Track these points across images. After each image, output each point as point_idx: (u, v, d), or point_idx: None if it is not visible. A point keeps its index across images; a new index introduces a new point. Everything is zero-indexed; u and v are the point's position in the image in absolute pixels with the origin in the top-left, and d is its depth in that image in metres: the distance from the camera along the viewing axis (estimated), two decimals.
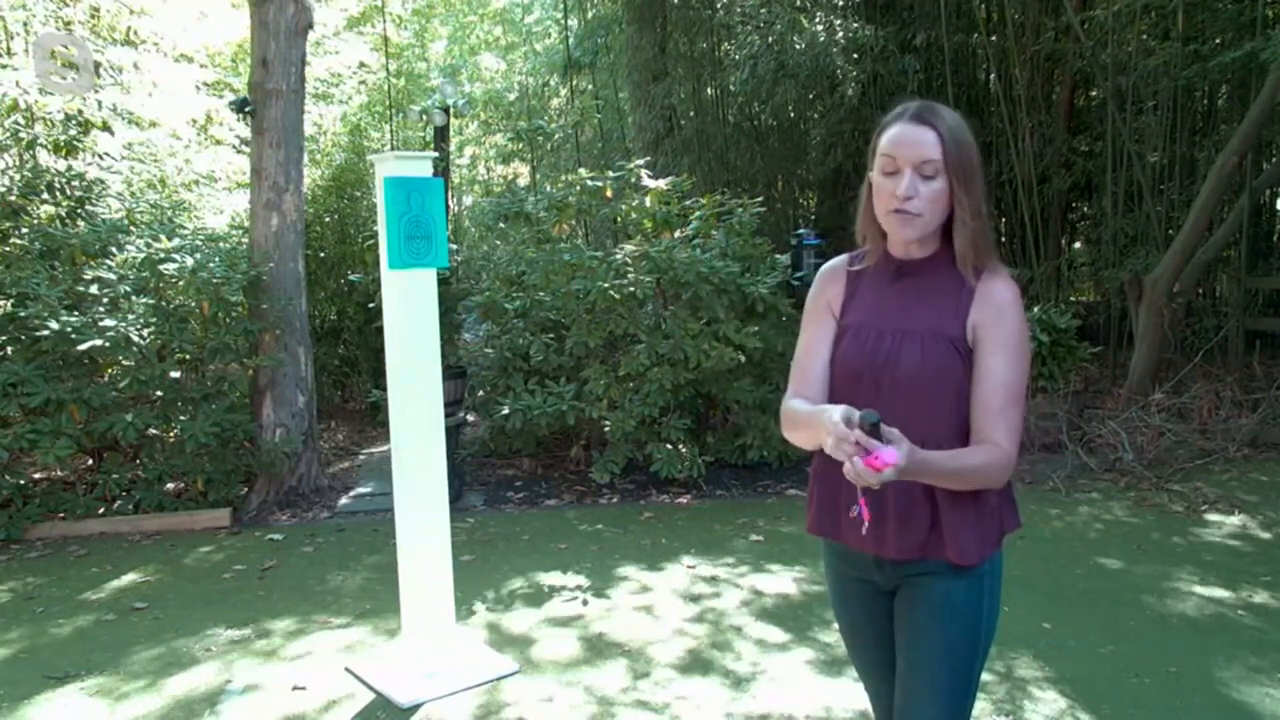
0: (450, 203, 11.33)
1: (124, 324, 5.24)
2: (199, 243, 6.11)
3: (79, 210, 6.05)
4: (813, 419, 1.62)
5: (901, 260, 1.76)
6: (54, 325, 5.07)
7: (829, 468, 1.82)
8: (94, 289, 5.50)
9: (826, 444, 1.50)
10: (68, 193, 6.05)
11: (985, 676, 3.22)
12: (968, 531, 1.70)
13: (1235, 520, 4.99)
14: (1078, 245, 11.52)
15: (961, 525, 1.70)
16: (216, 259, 5.69)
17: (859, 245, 1.86)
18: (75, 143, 6.28)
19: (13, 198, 5.78)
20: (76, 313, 5.28)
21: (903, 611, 1.80)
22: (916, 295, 1.74)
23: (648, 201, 6.33)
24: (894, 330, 1.73)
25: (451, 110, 10.11)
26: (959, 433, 1.70)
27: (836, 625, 2.00)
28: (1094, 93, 9.96)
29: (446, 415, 3.73)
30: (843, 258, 1.89)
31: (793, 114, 10.89)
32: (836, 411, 1.49)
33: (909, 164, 1.64)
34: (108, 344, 5.14)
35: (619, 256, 6.03)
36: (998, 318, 1.67)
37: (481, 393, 6.40)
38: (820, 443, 1.55)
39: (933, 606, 1.74)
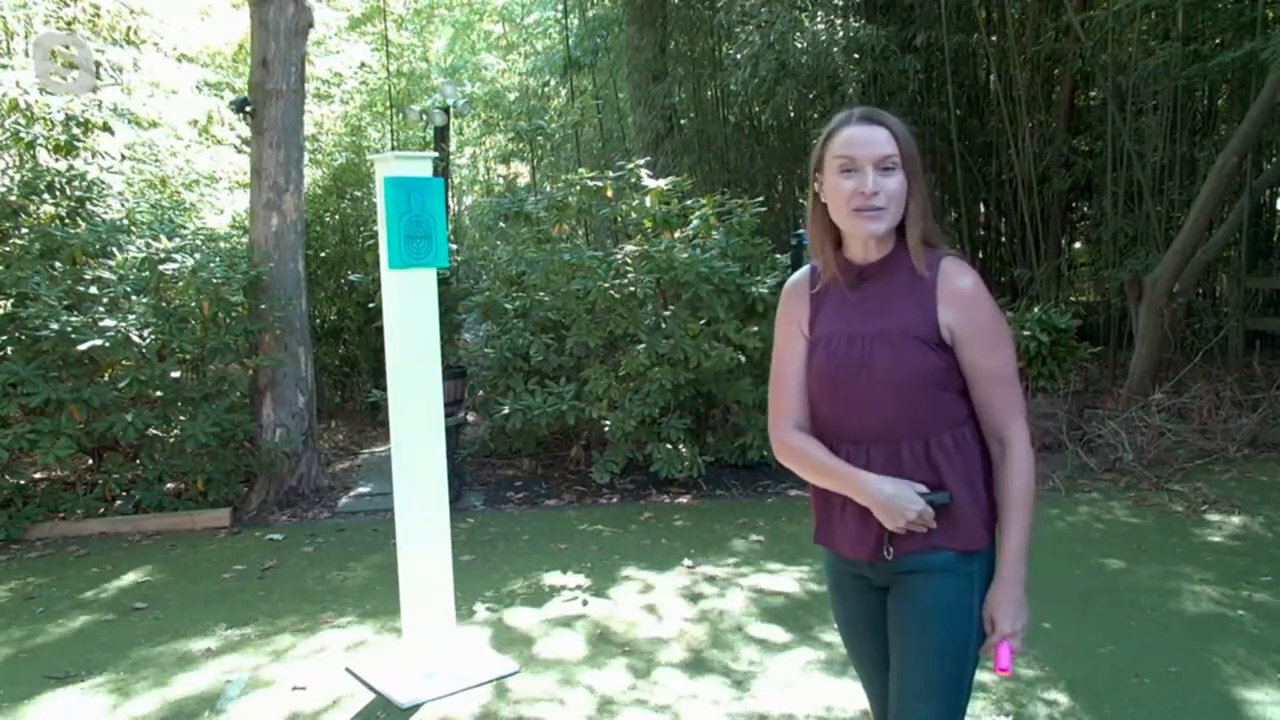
0: (450, 203, 11.33)
1: (124, 324, 5.24)
2: (199, 243, 6.12)
3: (79, 210, 6.05)
4: (846, 480, 1.74)
5: (862, 265, 1.78)
6: (54, 325, 5.07)
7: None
8: (94, 289, 5.50)
9: (885, 519, 1.70)
10: (68, 193, 6.05)
11: (984, 676, 3.22)
12: (970, 515, 1.73)
13: (1235, 520, 4.98)
14: (1078, 245, 11.53)
15: (960, 507, 1.72)
16: (216, 259, 5.69)
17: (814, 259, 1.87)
18: (75, 143, 6.28)
19: (13, 198, 5.78)
20: (76, 313, 5.28)
21: (895, 610, 1.80)
22: (881, 297, 1.76)
23: (648, 201, 6.33)
24: (863, 335, 1.75)
25: (451, 110, 10.12)
26: (940, 423, 1.73)
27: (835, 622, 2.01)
28: (1094, 93, 9.96)
29: (446, 415, 3.73)
30: (803, 273, 1.90)
31: (793, 114, 10.89)
32: (888, 485, 1.69)
33: (868, 162, 1.68)
34: (108, 344, 5.14)
35: (619, 256, 6.03)
36: (969, 311, 1.71)
37: (481, 393, 6.40)
38: (848, 494, 1.75)
39: (924, 606, 1.75)
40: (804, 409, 1.84)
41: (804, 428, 1.83)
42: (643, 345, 5.71)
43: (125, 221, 6.12)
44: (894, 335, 1.71)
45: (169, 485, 5.59)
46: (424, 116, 10.10)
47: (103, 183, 6.37)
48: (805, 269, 1.91)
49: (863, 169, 1.68)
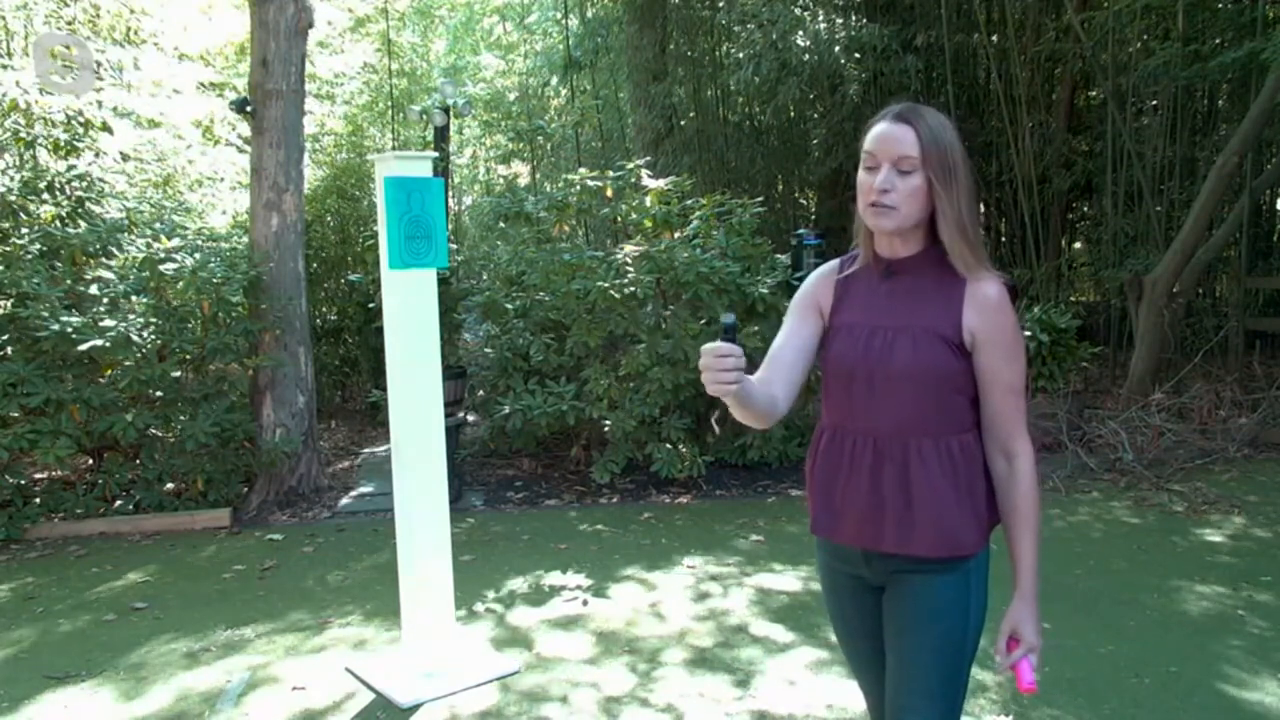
0: (450, 203, 11.33)
1: (124, 324, 5.24)
2: (200, 242, 6.12)
3: (79, 210, 6.05)
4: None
5: (890, 259, 1.80)
6: (54, 325, 5.07)
7: (821, 470, 1.84)
8: (94, 289, 5.50)
9: (706, 383, 1.54)
10: (68, 193, 6.05)
11: (985, 676, 3.22)
12: (967, 524, 1.72)
13: (1236, 520, 4.99)
14: (1078, 245, 11.53)
15: (960, 517, 1.72)
16: (216, 259, 5.69)
17: (854, 245, 1.89)
18: (75, 143, 6.28)
19: (13, 198, 5.78)
20: (76, 313, 5.28)
21: (891, 609, 1.81)
22: (907, 293, 1.77)
23: (648, 201, 6.34)
24: (886, 328, 1.75)
25: (452, 110, 10.10)
26: (949, 426, 1.73)
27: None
28: (1094, 93, 9.97)
29: (446, 415, 3.73)
30: (835, 262, 1.92)
31: (793, 114, 10.89)
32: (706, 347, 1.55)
33: (887, 159, 1.69)
34: (108, 344, 5.14)
35: (619, 256, 6.03)
36: (993, 317, 1.71)
37: (481, 393, 6.40)
38: (734, 408, 1.64)
39: (920, 604, 1.75)
40: (785, 376, 1.79)
41: (771, 390, 1.76)
42: (643, 345, 5.71)
43: (125, 221, 6.12)
44: (918, 331, 1.72)
45: (169, 485, 5.59)
46: (424, 116, 10.08)
47: (103, 182, 6.37)
48: (835, 261, 1.92)
49: (880, 166, 1.70)
